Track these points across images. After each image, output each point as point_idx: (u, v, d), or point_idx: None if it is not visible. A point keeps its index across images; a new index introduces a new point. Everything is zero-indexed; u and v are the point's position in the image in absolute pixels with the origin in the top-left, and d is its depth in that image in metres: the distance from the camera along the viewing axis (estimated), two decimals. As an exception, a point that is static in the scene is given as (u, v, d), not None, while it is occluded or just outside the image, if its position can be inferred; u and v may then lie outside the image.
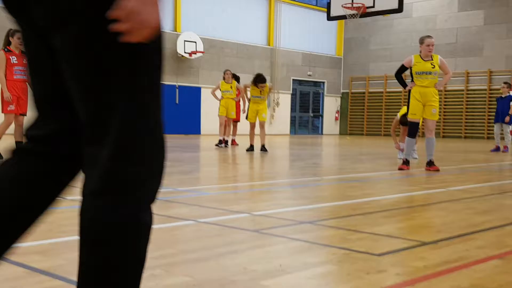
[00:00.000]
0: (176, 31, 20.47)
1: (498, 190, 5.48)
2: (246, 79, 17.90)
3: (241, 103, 12.54)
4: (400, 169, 7.29)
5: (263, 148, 10.47)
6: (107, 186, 1.23)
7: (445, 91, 21.95)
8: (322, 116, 26.55)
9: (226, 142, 12.07)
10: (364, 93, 25.84)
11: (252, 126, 11.03)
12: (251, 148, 10.69)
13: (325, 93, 26.40)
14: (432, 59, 7.30)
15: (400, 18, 23.20)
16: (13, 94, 7.59)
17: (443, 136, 22.55)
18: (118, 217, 1.23)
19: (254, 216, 3.60)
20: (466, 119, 22.54)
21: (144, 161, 1.27)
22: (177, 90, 20.66)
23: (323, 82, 26.33)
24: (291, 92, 24.53)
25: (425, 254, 2.62)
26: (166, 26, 20.33)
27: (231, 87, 12.02)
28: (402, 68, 7.46)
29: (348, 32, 26.26)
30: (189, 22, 20.85)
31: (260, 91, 10.80)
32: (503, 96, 12.87)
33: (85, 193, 1.27)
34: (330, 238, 3.08)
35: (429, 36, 7.42)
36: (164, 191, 4.86)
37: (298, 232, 3.14)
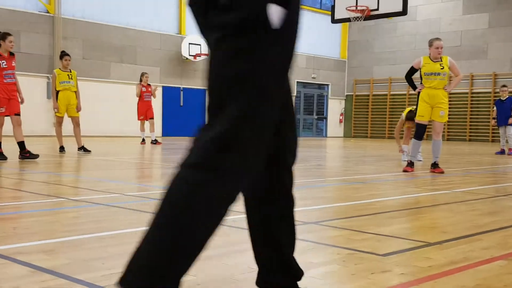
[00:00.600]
0: (180, 34, 20.51)
1: (503, 192, 5.46)
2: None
3: None
4: (404, 171, 7.27)
5: None
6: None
7: (450, 93, 21.87)
8: (326, 118, 26.53)
9: None
10: (368, 95, 25.81)
11: None
12: None
13: (329, 96, 26.39)
14: (441, 61, 7.29)
15: (404, 21, 23.18)
16: (4, 97, 7.69)
17: (448, 139, 22.49)
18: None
19: (258, 217, 3.60)
20: (470, 121, 22.48)
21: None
22: (181, 92, 20.69)
23: (328, 85, 26.32)
24: (295, 94, 24.54)
25: (430, 255, 2.60)
26: (171, 29, 20.40)
27: None
28: (412, 70, 7.45)
29: (352, 35, 26.25)
30: (193, 25, 20.84)
31: None
32: (502, 98, 12.85)
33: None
34: (334, 238, 3.07)
35: (438, 38, 7.40)
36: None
37: (303, 232, 3.13)
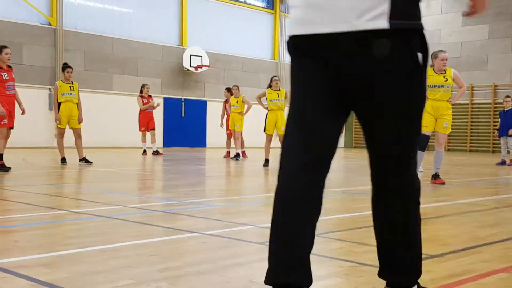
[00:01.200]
0: (182, 45, 20.60)
1: (504, 203, 5.45)
2: (251, 92, 17.99)
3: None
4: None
5: None
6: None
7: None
8: (327, 129, 26.57)
9: (237, 154, 12.22)
10: (369, 106, 25.85)
11: (269, 139, 10.19)
12: (267, 163, 10.01)
13: (330, 107, 26.44)
14: (445, 73, 7.30)
15: (404, 32, 23.25)
16: (6, 109, 7.77)
17: (449, 150, 22.48)
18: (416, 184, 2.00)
19: (259, 228, 3.60)
20: (471, 132, 22.48)
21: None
22: (183, 103, 20.74)
23: (328, 96, 26.38)
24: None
25: (431, 267, 2.60)
26: (172, 41, 20.50)
27: (237, 102, 12.32)
28: None
29: (352, 46, 26.35)
30: (195, 36, 21.00)
31: (278, 93, 10.11)
32: (505, 110, 12.87)
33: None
34: (336, 251, 3.07)
35: (442, 51, 7.42)
36: (169, 204, 4.87)
37: (303, 245, 3.13)
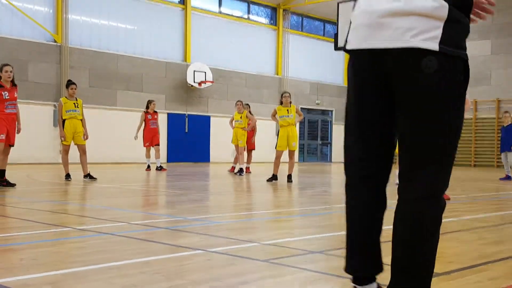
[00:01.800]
0: (186, 61, 20.74)
1: (509, 219, 5.42)
2: (254, 107, 18.02)
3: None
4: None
5: (289, 179, 9.81)
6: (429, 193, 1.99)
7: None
8: (330, 143, 26.57)
9: (241, 170, 12.24)
10: (372, 121, 25.86)
11: (279, 155, 10.06)
12: (273, 178, 9.88)
13: (333, 121, 26.48)
14: None
15: (407, 48, 23.35)
16: (4, 126, 7.80)
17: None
18: (437, 211, 1.98)
19: (264, 246, 3.59)
20: (475, 147, 22.44)
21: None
22: (186, 119, 20.81)
23: (331, 111, 26.43)
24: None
25: (437, 286, 2.59)
26: (176, 57, 20.64)
27: (241, 117, 12.40)
28: None
29: (355, 61, 26.45)
30: (198, 52, 21.14)
31: (288, 110, 10.12)
32: (505, 125, 12.89)
33: (409, 198, 1.99)
34: (341, 268, 3.05)
35: None
36: (173, 220, 4.86)
37: (309, 262, 3.12)
